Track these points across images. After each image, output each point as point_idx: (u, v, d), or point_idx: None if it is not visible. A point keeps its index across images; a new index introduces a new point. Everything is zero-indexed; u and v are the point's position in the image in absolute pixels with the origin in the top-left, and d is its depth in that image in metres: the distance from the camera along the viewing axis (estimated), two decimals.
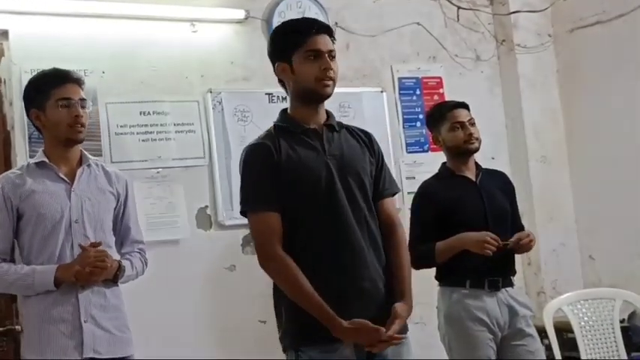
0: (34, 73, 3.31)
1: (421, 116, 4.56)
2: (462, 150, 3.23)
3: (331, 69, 2.39)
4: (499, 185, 3.32)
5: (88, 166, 2.76)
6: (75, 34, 3.67)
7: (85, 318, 2.59)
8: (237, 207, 3.79)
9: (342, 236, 2.36)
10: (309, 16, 4.07)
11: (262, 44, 4.09)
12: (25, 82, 3.45)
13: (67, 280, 2.56)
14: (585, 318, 3.80)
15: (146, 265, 2.89)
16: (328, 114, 2.51)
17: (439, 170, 3.35)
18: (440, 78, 4.68)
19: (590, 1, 4.66)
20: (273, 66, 2.51)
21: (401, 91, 4.55)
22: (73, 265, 2.56)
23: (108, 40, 3.74)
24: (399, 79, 4.56)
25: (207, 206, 3.88)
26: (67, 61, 3.56)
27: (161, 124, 3.82)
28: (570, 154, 4.84)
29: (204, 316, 3.79)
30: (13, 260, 2.68)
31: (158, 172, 3.77)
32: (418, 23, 4.63)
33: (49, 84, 2.70)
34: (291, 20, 2.60)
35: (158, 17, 3.88)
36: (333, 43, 2.46)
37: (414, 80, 4.60)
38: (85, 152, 2.81)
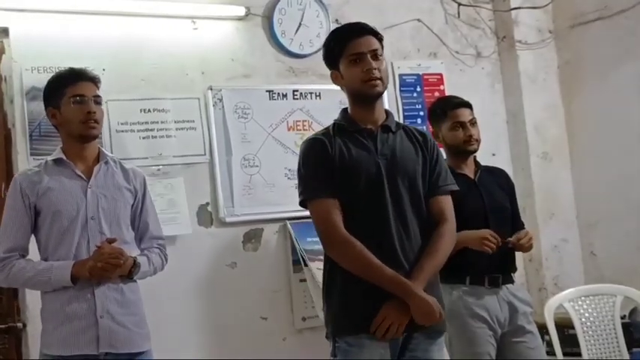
0: (35, 72, 3.35)
1: (422, 113, 4.56)
2: (460, 150, 3.23)
3: (375, 68, 2.47)
4: (499, 183, 3.32)
5: (106, 163, 2.81)
6: (75, 32, 3.67)
7: (100, 313, 2.64)
8: (238, 204, 3.89)
9: (380, 237, 2.45)
10: (314, 14, 4.19)
11: (263, 41, 4.14)
12: (25, 80, 3.52)
13: (83, 276, 2.61)
14: (586, 314, 3.80)
15: (166, 261, 2.95)
16: (387, 114, 2.61)
17: None
18: (440, 74, 4.67)
19: None
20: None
21: (402, 88, 4.55)
22: (88, 261, 2.60)
23: (108, 38, 3.74)
24: (400, 75, 4.55)
25: (208, 203, 3.88)
26: (68, 58, 3.57)
27: (162, 122, 3.82)
28: (571, 150, 4.84)
29: (205, 313, 3.80)
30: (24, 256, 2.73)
31: (159, 170, 3.77)
32: (419, 20, 4.63)
33: (63, 83, 2.76)
34: (336, 28, 2.71)
35: (159, 14, 3.88)
36: (381, 41, 2.56)
37: (414, 77, 4.60)
38: (103, 149, 2.85)
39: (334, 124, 2.60)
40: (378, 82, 2.49)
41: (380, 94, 2.55)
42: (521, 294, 3.23)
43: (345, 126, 2.56)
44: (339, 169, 2.47)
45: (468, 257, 3.07)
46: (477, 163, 3.31)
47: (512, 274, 3.23)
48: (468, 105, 3.29)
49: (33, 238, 2.75)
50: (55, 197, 2.68)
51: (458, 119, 3.22)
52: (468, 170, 3.26)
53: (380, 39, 2.57)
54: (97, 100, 2.75)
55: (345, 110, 2.62)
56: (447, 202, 2.62)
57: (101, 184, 2.75)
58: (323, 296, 2.58)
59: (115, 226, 2.74)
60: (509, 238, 3.13)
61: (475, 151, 3.26)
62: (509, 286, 3.17)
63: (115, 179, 2.80)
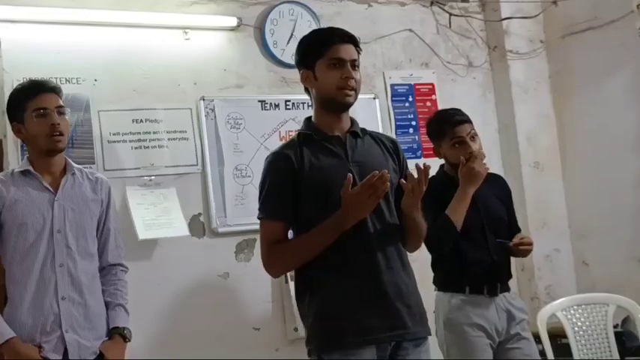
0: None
1: (414, 123, 4.57)
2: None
3: (352, 78, 2.42)
4: (495, 191, 3.30)
5: (73, 174, 2.76)
6: (67, 43, 3.66)
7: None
8: (231, 214, 3.90)
9: (361, 243, 2.38)
10: (307, 24, 4.16)
11: (255, 51, 4.14)
12: None
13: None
14: (579, 323, 3.80)
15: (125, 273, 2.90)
16: (352, 121, 2.54)
17: (437, 174, 3.26)
18: (432, 84, 4.68)
19: (581, 7, 4.68)
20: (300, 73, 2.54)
21: (393, 98, 4.55)
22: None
23: (100, 48, 3.74)
24: (392, 85, 4.56)
25: (200, 214, 3.87)
26: (60, 69, 3.58)
27: (154, 132, 3.82)
28: (563, 160, 4.85)
29: (198, 323, 3.78)
30: None
31: (151, 180, 3.76)
32: (410, 30, 4.65)
33: (24, 96, 2.70)
34: (317, 29, 2.69)
35: (151, 25, 3.88)
36: (359, 53, 2.50)
37: (406, 87, 4.61)
38: (70, 161, 2.81)
39: (299, 133, 2.50)
40: (352, 92, 2.43)
41: (351, 105, 2.47)
42: (518, 302, 3.24)
43: (311, 135, 2.46)
44: (310, 180, 2.39)
45: (467, 266, 3.08)
46: None
47: (508, 282, 3.23)
48: (466, 120, 3.20)
49: None
50: (22, 209, 2.63)
51: (457, 136, 3.15)
52: None
53: (359, 51, 2.52)
54: (61, 110, 2.69)
55: (309, 119, 2.53)
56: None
57: (68, 197, 2.71)
58: (299, 307, 2.49)
59: (82, 238, 2.71)
60: (513, 240, 3.13)
61: None
62: (506, 294, 3.17)
63: (82, 191, 2.76)
